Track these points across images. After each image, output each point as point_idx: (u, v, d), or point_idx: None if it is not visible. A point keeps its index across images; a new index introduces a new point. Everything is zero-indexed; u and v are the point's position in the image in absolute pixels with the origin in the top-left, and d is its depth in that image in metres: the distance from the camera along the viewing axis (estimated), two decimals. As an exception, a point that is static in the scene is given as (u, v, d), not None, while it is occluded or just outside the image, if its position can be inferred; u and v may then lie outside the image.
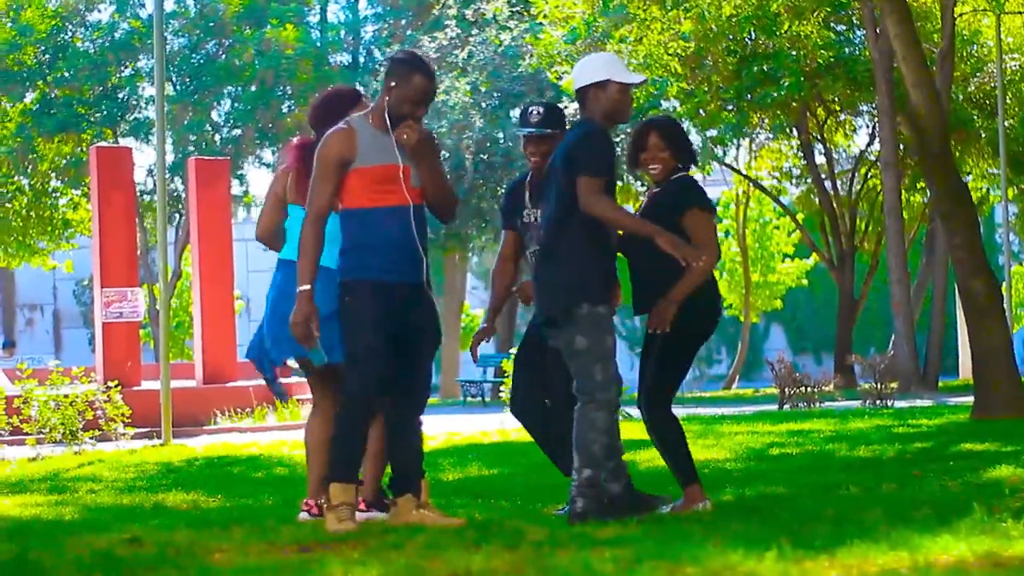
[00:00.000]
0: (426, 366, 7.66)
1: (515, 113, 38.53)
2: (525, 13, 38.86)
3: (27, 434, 16.87)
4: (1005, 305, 19.92)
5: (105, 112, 39.51)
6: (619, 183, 36.30)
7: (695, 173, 8.65)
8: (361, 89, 8.73)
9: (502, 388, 24.46)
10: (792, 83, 31.33)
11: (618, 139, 30.21)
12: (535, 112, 8.54)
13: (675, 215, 7.95)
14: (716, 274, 34.66)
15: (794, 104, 33.79)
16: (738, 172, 39.32)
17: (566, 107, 37.28)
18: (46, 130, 38.59)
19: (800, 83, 31.67)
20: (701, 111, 33.36)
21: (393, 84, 7.50)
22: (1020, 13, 33.02)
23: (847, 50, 33.74)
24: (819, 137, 36.76)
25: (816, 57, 32.22)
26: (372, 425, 7.75)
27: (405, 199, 7.51)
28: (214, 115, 40.69)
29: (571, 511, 7.52)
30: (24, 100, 39.66)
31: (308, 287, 7.41)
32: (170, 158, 38.37)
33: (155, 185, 32.43)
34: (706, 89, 33.06)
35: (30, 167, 39.45)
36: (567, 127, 8.53)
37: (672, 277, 7.81)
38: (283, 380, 8.86)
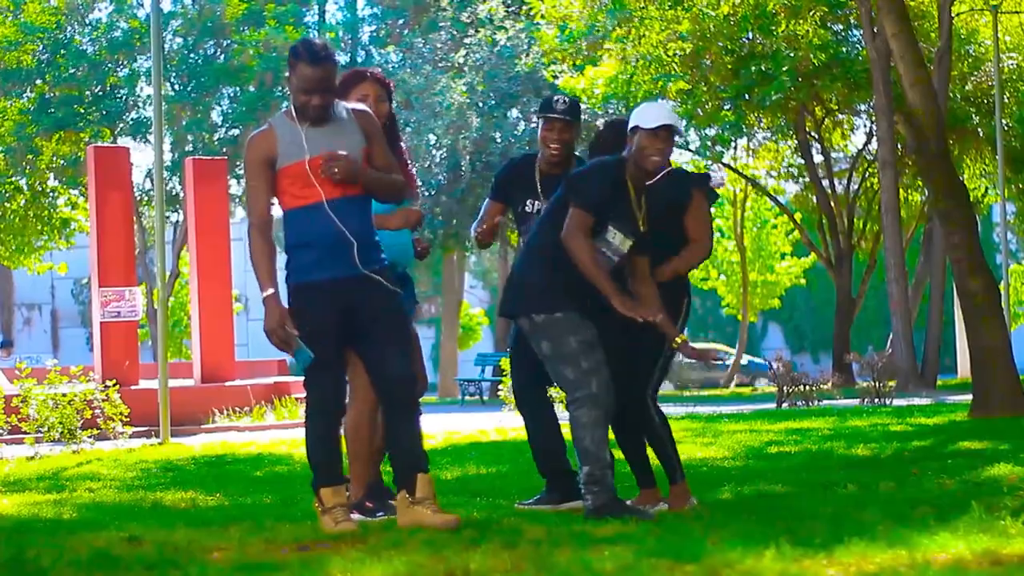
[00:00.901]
0: (392, 354, 7.35)
1: (513, 113, 38.57)
2: (521, 13, 38.88)
3: (25, 433, 16.86)
4: (1003, 304, 19.93)
5: (104, 112, 39.51)
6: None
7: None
8: (376, 71, 8.53)
9: (500, 387, 24.48)
10: (789, 82, 31.34)
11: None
12: (561, 101, 8.54)
13: (677, 204, 8.04)
14: (714, 273, 34.67)
15: (792, 104, 33.82)
16: (736, 171, 39.33)
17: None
18: (44, 129, 38.59)
19: (798, 83, 31.69)
20: (699, 110, 33.38)
21: (288, 76, 7.38)
22: (1017, 12, 33.06)
23: (844, 50, 33.77)
24: (817, 136, 36.79)
25: (813, 57, 32.23)
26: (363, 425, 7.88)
27: (318, 194, 7.26)
28: (212, 115, 40.70)
29: (584, 508, 7.57)
30: (22, 99, 39.66)
31: (271, 291, 7.26)
32: (168, 158, 38.38)
33: (153, 185, 32.41)
34: (704, 89, 33.09)
35: (28, 167, 39.44)
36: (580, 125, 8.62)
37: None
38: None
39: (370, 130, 7.47)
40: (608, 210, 7.62)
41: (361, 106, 7.63)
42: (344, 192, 7.28)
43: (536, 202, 8.55)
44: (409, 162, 8.51)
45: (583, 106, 36.34)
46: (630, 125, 7.71)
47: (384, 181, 7.45)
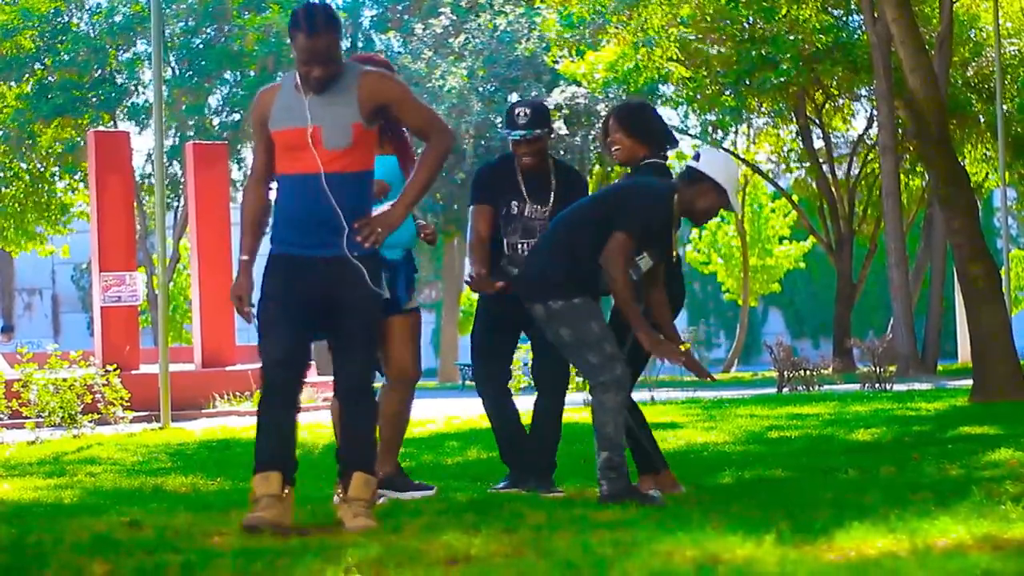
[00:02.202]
0: (353, 364, 6.91)
1: (513, 98, 38.51)
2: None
3: (26, 418, 16.88)
4: (1003, 289, 19.92)
5: (103, 97, 39.48)
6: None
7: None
8: (380, 57, 8.47)
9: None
10: (792, 67, 31.32)
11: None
12: (522, 114, 8.43)
13: None
14: (714, 258, 34.67)
15: (792, 88, 33.78)
16: (736, 156, 39.31)
17: (563, 91, 37.40)
18: (43, 115, 38.55)
19: (799, 67, 31.66)
20: (699, 95, 33.36)
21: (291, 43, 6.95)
22: (1019, -3, 33.01)
23: (845, 34, 33.74)
24: (817, 121, 36.76)
25: (814, 41, 32.20)
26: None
27: (315, 166, 6.78)
28: (212, 100, 40.65)
29: (599, 494, 7.58)
30: (22, 84, 39.62)
31: (245, 257, 6.98)
32: (168, 143, 38.36)
33: (153, 169, 32.39)
34: (705, 74, 33.06)
35: (27, 151, 39.40)
36: (552, 125, 8.57)
37: None
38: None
39: (390, 94, 6.89)
40: (651, 239, 7.62)
41: (378, 70, 7.05)
42: (344, 168, 6.81)
43: (521, 203, 8.51)
44: (412, 147, 8.50)
45: (582, 90, 36.35)
46: (702, 168, 7.64)
47: (423, 186, 6.96)
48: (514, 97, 38.76)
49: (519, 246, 8.46)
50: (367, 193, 6.95)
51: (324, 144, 6.76)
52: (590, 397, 7.68)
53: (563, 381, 8.63)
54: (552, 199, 8.50)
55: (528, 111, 8.45)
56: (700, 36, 32.62)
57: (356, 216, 6.82)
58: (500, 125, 37.45)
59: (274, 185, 7.04)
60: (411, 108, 6.94)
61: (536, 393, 8.64)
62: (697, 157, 7.74)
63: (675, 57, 32.58)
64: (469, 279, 8.52)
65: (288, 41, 6.76)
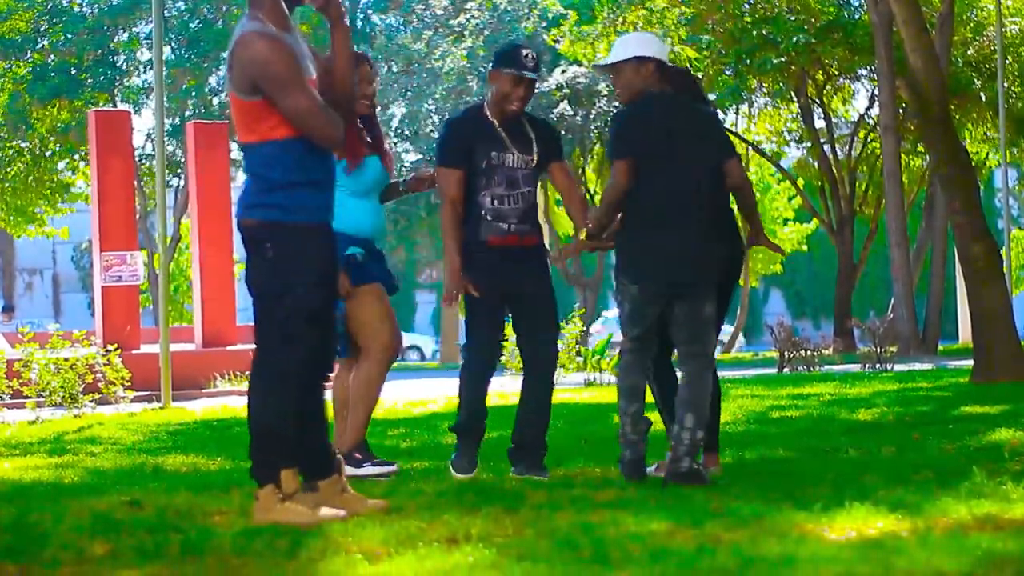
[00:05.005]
0: (333, 348, 6.80)
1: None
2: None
3: (27, 397, 16.90)
4: (1004, 269, 19.92)
5: (101, 77, 39.41)
6: None
7: None
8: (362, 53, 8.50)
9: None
10: (797, 44, 31.29)
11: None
12: (529, 56, 8.17)
13: None
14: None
15: (793, 68, 33.74)
16: (737, 136, 39.28)
17: (564, 71, 37.37)
18: (40, 96, 38.48)
19: (800, 47, 31.62)
20: (700, 75, 33.32)
21: None
22: (1020, -24, 32.95)
23: (846, 14, 33.69)
24: (818, 101, 36.71)
25: (816, 20, 32.14)
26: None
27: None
28: (212, 80, 40.60)
29: (675, 470, 7.42)
30: (20, 64, 39.55)
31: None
32: (168, 123, 38.31)
33: (154, 149, 32.36)
34: (706, 53, 33.02)
35: (28, 129, 39.32)
36: None
37: None
38: None
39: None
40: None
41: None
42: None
43: (502, 152, 8.15)
44: (387, 144, 8.56)
45: (583, 70, 36.35)
46: (642, 53, 7.74)
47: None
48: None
49: (505, 199, 8.11)
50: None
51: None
52: (680, 372, 7.64)
53: (552, 363, 8.30)
54: (534, 146, 8.21)
55: (534, 54, 8.28)
56: (700, 15, 32.58)
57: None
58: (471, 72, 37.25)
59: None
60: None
61: (523, 375, 8.34)
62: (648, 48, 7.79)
63: (683, 37, 32.55)
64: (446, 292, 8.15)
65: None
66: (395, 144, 39.12)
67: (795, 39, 31.30)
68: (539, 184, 8.40)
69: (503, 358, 23.79)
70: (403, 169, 37.92)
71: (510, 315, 8.28)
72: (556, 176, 8.34)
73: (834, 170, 36.36)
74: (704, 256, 7.60)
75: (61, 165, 41.22)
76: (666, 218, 7.54)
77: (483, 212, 8.13)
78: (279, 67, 6.35)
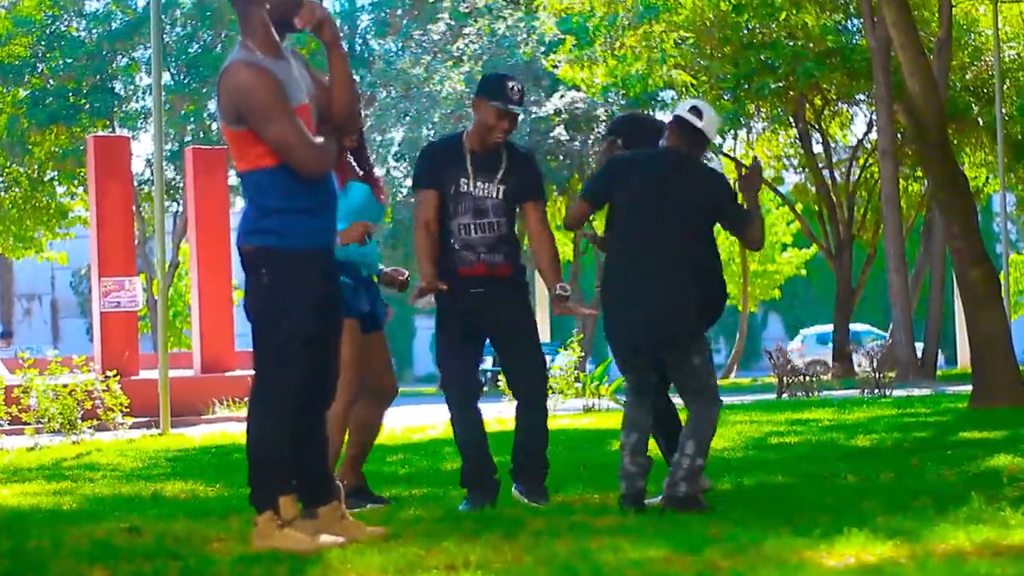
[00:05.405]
0: (334, 371, 6.72)
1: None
2: (520, 1, 38.88)
3: (26, 424, 16.88)
4: (1003, 294, 19.93)
5: (99, 103, 39.46)
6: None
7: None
8: None
9: (500, 377, 24.48)
10: (796, 71, 31.35)
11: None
12: (515, 89, 8.09)
13: None
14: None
15: (791, 93, 33.80)
16: (735, 161, 39.32)
17: (562, 96, 37.41)
18: (38, 121, 38.52)
19: (797, 72, 31.68)
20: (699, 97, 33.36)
21: None
22: (1017, 1, 33.04)
23: (844, 39, 33.75)
24: (816, 126, 36.77)
25: (814, 46, 32.21)
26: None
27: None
28: (211, 105, 40.67)
29: (672, 495, 7.42)
30: (18, 89, 39.61)
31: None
32: (167, 148, 38.35)
33: (153, 175, 32.39)
34: (704, 78, 33.07)
35: (26, 155, 39.36)
36: None
37: None
38: None
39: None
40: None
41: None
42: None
43: (468, 180, 8.05)
44: (376, 171, 8.57)
45: (582, 95, 36.37)
46: (704, 128, 7.72)
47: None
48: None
49: (472, 227, 8.02)
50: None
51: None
52: (689, 409, 7.63)
53: (542, 389, 8.27)
54: (500, 176, 8.07)
55: (520, 87, 8.25)
56: (698, 39, 32.63)
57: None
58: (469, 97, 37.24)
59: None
60: None
61: (516, 403, 8.26)
62: (698, 114, 7.74)
63: (681, 64, 32.58)
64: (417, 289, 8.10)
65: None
66: (394, 168, 39.15)
67: (798, 68, 31.37)
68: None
69: (502, 384, 23.85)
70: (402, 193, 37.97)
71: (494, 347, 8.26)
72: (528, 218, 8.18)
73: (832, 195, 36.41)
74: (674, 316, 7.57)
75: (60, 190, 41.25)
76: (637, 279, 7.57)
77: (452, 240, 8.07)
78: (262, 96, 6.32)
